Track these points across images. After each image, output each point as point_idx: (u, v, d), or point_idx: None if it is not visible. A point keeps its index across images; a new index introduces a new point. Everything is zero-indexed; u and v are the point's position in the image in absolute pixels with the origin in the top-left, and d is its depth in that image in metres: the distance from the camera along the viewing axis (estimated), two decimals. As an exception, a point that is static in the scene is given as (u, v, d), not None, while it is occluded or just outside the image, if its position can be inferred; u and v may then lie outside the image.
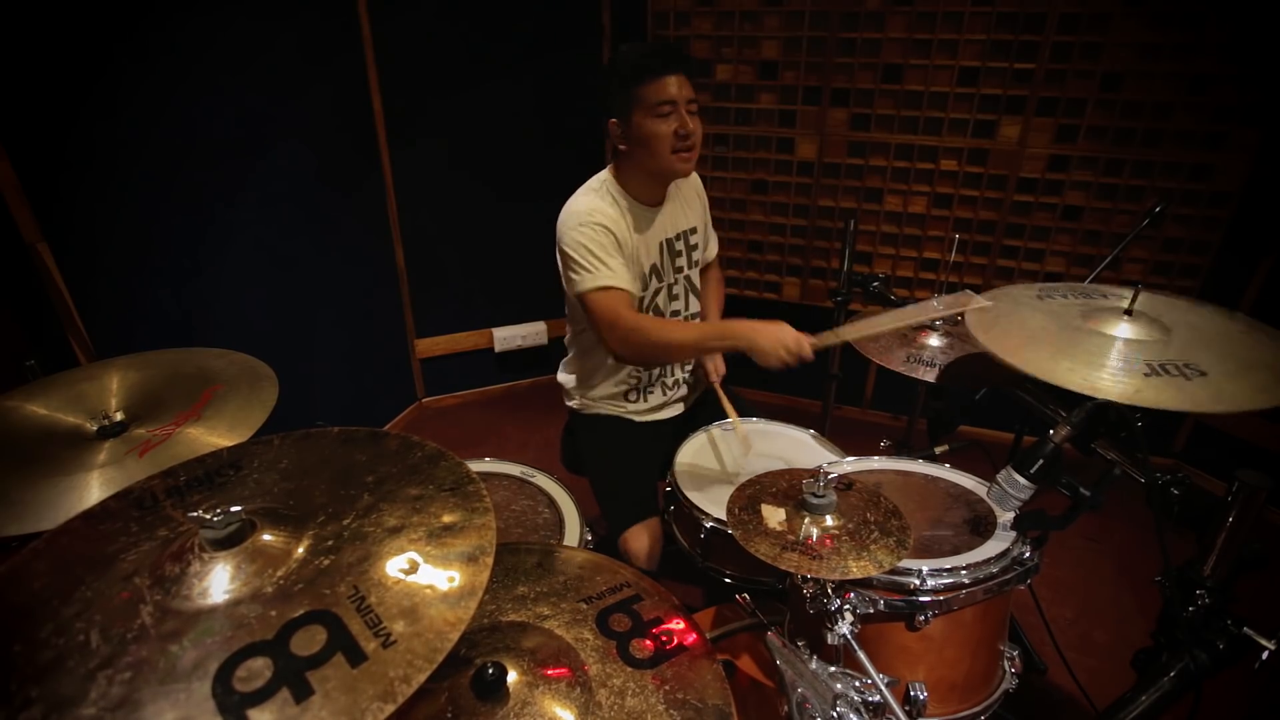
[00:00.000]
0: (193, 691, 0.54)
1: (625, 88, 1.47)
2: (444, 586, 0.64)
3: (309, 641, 0.58)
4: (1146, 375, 0.96)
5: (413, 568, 0.66)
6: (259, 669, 0.56)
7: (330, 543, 0.68)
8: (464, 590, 0.64)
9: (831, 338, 1.35)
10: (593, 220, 1.50)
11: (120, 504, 0.73)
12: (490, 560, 0.67)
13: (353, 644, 0.58)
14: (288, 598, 0.62)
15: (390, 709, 0.53)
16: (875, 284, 1.86)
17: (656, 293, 1.69)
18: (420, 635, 0.59)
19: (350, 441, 0.84)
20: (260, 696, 0.54)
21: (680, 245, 1.70)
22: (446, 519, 0.72)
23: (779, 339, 1.31)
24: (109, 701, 0.52)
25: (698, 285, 1.79)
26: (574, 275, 1.50)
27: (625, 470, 1.67)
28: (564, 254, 1.52)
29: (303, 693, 0.54)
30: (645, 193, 1.60)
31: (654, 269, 1.66)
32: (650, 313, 1.69)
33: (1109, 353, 1.03)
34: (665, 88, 1.45)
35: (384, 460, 0.81)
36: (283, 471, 0.79)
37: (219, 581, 0.63)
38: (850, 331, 1.38)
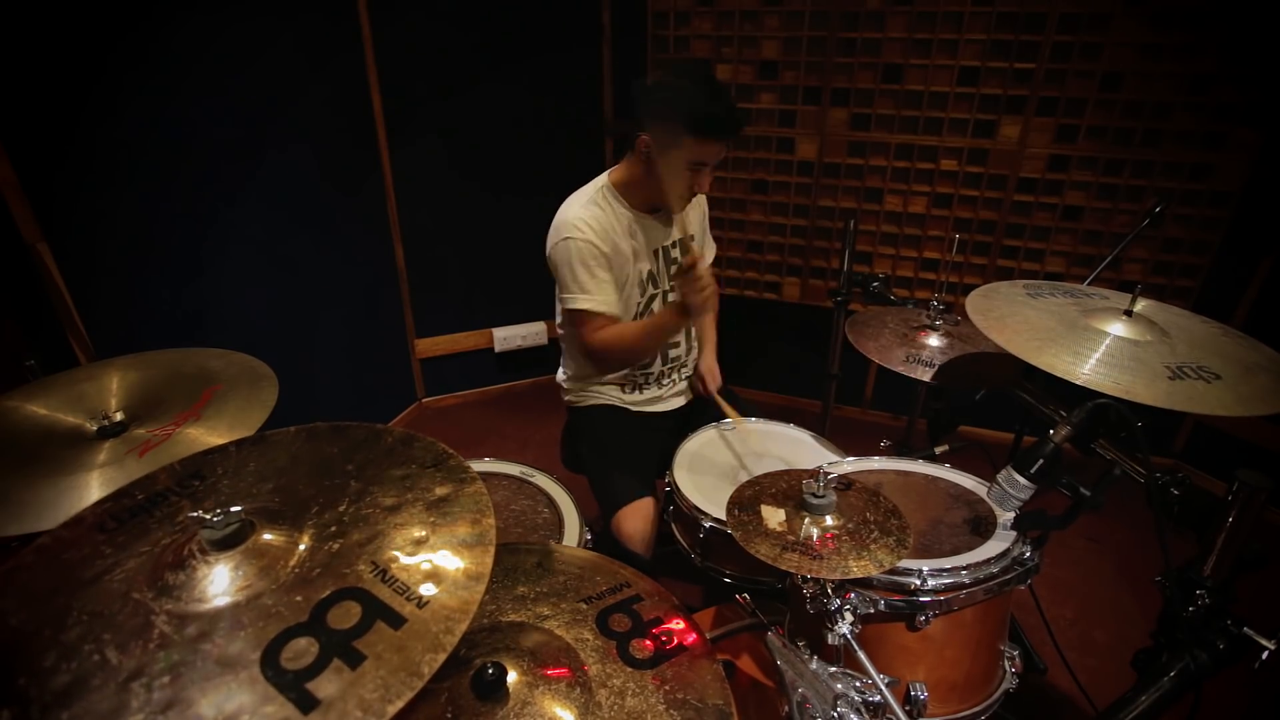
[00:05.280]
0: (242, 680, 0.54)
1: (678, 124, 1.45)
2: (458, 546, 0.67)
3: (345, 616, 0.59)
4: (1171, 379, 0.96)
5: (424, 536, 0.68)
6: (304, 648, 0.56)
7: (333, 529, 0.69)
8: (478, 547, 0.67)
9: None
10: (579, 234, 1.54)
11: (75, 531, 0.70)
12: (492, 521, 0.70)
13: (388, 610, 0.60)
14: (309, 583, 0.63)
15: (442, 657, 0.55)
16: (875, 284, 1.86)
17: (652, 299, 1.69)
18: (449, 593, 0.62)
19: (315, 438, 0.83)
20: (314, 671, 0.54)
21: (676, 253, 1.70)
22: (439, 491, 0.73)
23: (697, 290, 1.40)
24: (155, 705, 0.52)
25: None
26: (559, 287, 1.59)
27: (618, 453, 1.67)
28: (551, 262, 1.59)
29: (355, 660, 0.55)
30: (646, 201, 1.63)
31: (650, 275, 1.67)
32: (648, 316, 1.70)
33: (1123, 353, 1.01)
34: (711, 151, 1.50)
35: (357, 449, 0.80)
36: (254, 474, 0.77)
37: (231, 579, 0.63)
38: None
